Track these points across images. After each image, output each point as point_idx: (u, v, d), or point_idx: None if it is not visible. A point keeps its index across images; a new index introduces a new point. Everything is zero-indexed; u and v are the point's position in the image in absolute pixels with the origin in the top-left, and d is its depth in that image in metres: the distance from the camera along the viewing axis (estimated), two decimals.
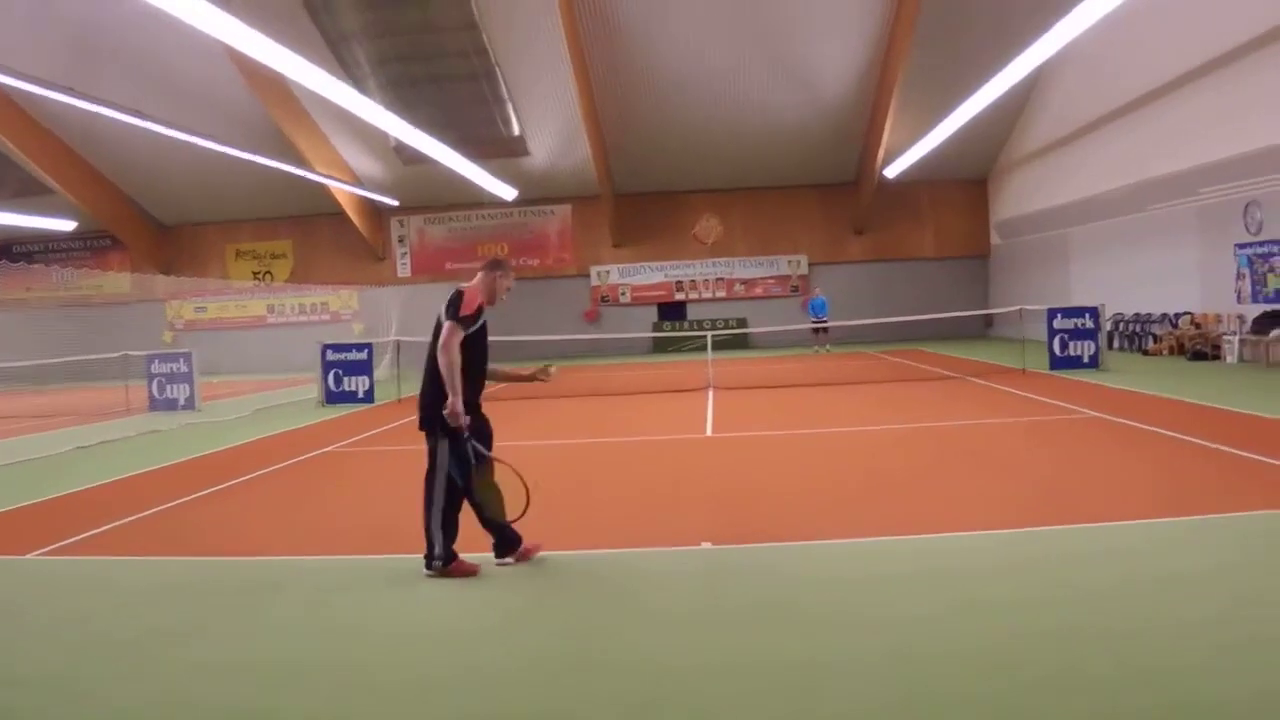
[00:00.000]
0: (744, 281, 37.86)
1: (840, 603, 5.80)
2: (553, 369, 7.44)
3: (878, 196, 35.02)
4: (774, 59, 28.91)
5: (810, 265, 37.58)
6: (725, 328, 34.50)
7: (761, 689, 4.50)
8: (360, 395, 20.29)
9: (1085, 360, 19.92)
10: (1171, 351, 22.45)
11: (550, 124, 32.00)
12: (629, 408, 17.55)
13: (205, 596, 6.48)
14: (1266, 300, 20.12)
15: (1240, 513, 7.32)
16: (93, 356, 23.08)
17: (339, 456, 12.98)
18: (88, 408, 21.34)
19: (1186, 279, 23.17)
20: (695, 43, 27.99)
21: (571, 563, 6.93)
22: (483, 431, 6.80)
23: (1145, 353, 23.74)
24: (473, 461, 6.55)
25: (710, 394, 18.87)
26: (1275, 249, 19.83)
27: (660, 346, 36.57)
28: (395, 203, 35.52)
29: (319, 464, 12.36)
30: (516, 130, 32.87)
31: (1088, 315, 20.19)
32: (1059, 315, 20.34)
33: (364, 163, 34.52)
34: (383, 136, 31.03)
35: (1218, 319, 21.65)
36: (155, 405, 20.30)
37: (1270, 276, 20.05)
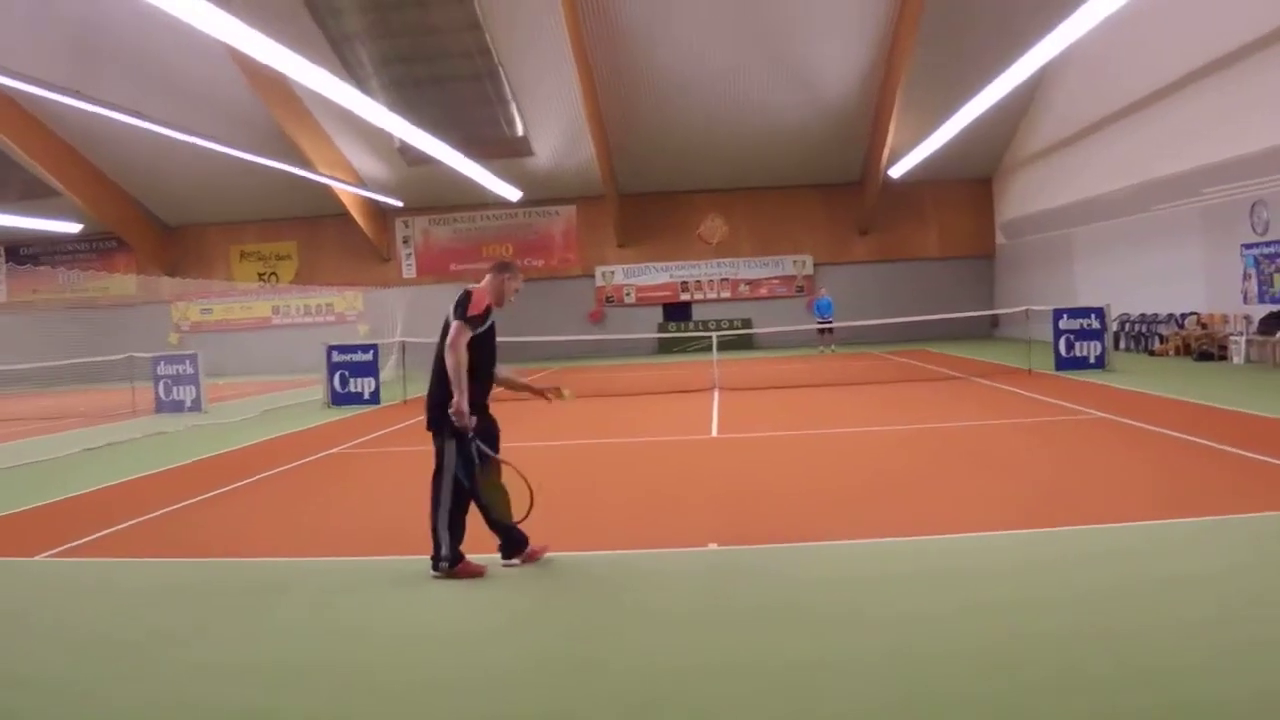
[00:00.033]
0: (749, 282, 37.85)
1: (842, 603, 5.81)
2: (567, 393, 7.43)
3: (882, 196, 34.99)
4: (778, 59, 28.91)
5: (815, 265, 37.55)
6: (730, 328, 34.49)
7: (763, 689, 4.52)
8: (366, 396, 20.31)
9: (1091, 361, 19.89)
10: (1178, 352, 22.41)
11: (554, 124, 32.01)
12: (634, 409, 17.57)
13: (209, 598, 6.50)
14: (1273, 300, 20.10)
15: (1246, 514, 7.31)
16: (99, 359, 23.12)
17: (345, 458, 13.00)
18: (94, 410, 21.39)
19: (1192, 279, 23.14)
20: (699, 43, 27.99)
21: (578, 564, 6.94)
22: (489, 432, 6.80)
23: (1151, 353, 23.71)
24: (477, 462, 6.56)
25: (716, 395, 18.88)
26: None
27: (665, 347, 36.57)
28: (400, 204, 35.56)
29: (325, 465, 12.39)
30: (520, 131, 32.89)
31: (1094, 316, 20.16)
32: (1065, 316, 20.31)
33: (368, 164, 34.57)
34: (387, 137, 31.09)
35: (1224, 319, 21.62)
36: (161, 407, 20.33)
37: (1277, 277, 20.02)
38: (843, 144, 33.49)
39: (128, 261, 38.67)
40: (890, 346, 32.26)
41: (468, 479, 6.55)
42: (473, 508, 6.69)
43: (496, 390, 7.00)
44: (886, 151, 31.38)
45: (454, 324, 6.49)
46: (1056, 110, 29.46)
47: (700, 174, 35.72)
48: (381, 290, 34.92)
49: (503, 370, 7.01)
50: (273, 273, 38.95)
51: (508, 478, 6.62)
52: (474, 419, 6.52)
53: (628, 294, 38.06)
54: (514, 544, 6.82)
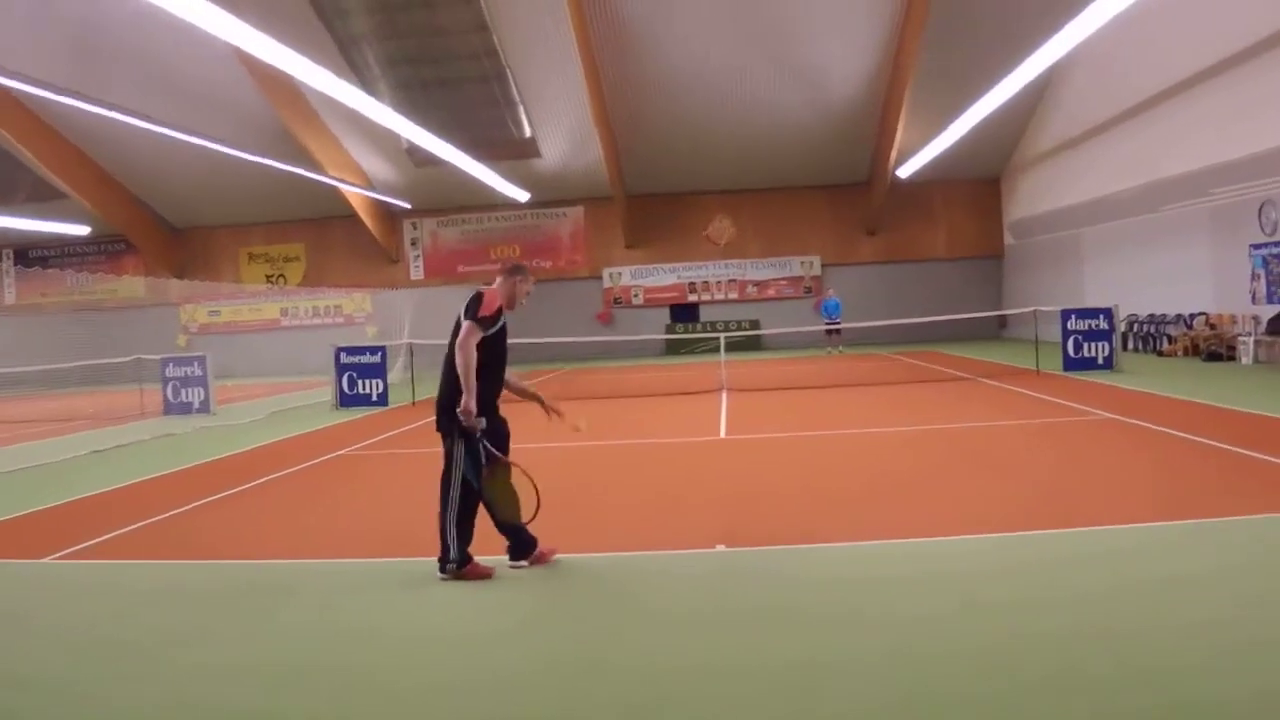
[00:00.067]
0: (756, 283, 37.85)
1: (845, 604, 5.82)
2: (582, 424, 7.45)
3: (890, 197, 34.96)
4: (785, 59, 28.91)
5: (823, 266, 37.53)
6: (738, 329, 34.44)
7: (765, 689, 4.53)
8: (374, 398, 20.35)
9: (1099, 361, 19.86)
10: (1186, 352, 22.36)
11: (561, 125, 32.06)
12: (642, 410, 17.58)
13: (214, 600, 6.52)
14: None
15: (1252, 515, 7.29)
16: (107, 361, 23.16)
17: (353, 460, 13.03)
18: (102, 412, 21.45)
19: (1200, 280, 23.09)
20: (707, 43, 28.00)
21: (585, 565, 6.94)
22: (500, 433, 6.82)
23: (1160, 354, 23.67)
24: (483, 462, 6.57)
25: (724, 396, 18.89)
26: None
27: (673, 348, 36.58)
28: (408, 205, 35.62)
29: (333, 467, 12.42)
30: (528, 132, 32.96)
31: (1102, 316, 20.14)
32: (1073, 316, 20.28)
33: (376, 165, 34.63)
34: (394, 139, 31.14)
35: (1232, 320, 21.57)
36: (170, 409, 20.38)
37: None
38: (850, 144, 33.47)
39: (136, 264, 38.85)
40: (898, 347, 32.18)
41: (476, 480, 6.57)
42: (482, 510, 6.70)
43: (504, 393, 7.01)
44: (894, 152, 31.36)
45: (465, 324, 6.51)
46: (1065, 110, 29.42)
47: (708, 175, 35.72)
48: (389, 292, 34.98)
49: (510, 375, 7.03)
50: (281, 275, 39.04)
51: (516, 479, 6.63)
52: (482, 420, 6.53)
53: (635, 295, 38.08)
54: (523, 546, 6.83)
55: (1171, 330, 23.94)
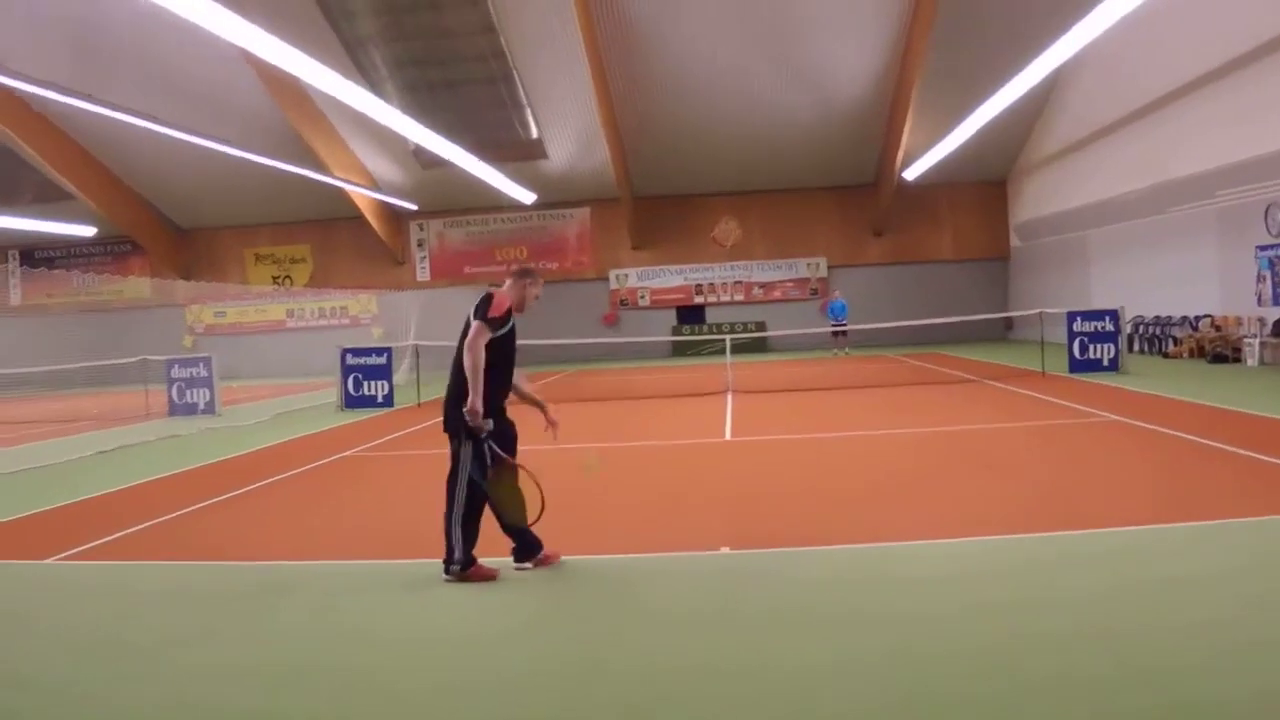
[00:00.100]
0: (763, 284, 37.82)
1: (846, 605, 5.82)
2: (593, 462, 7.45)
3: (896, 198, 34.93)
4: (791, 61, 28.89)
5: (829, 268, 37.47)
6: (744, 331, 34.41)
7: (766, 690, 4.54)
8: (379, 400, 20.35)
9: (1105, 363, 19.83)
10: (1192, 354, 22.31)
11: (568, 127, 32.07)
12: (648, 411, 17.58)
13: (218, 600, 6.54)
14: None
15: (1256, 517, 7.28)
16: (113, 362, 23.23)
17: (358, 461, 13.04)
18: (107, 413, 21.51)
19: (1206, 281, 23.04)
20: (714, 45, 28.00)
21: (590, 567, 6.95)
22: (507, 435, 6.83)
23: (1165, 355, 23.62)
24: (489, 463, 6.58)
25: (729, 398, 18.88)
26: None
27: (679, 350, 36.57)
28: (414, 206, 35.60)
29: (338, 469, 12.43)
30: (535, 133, 32.98)
31: (1108, 318, 20.10)
32: (1079, 318, 20.25)
33: (382, 166, 34.66)
34: (401, 140, 31.14)
35: (1238, 321, 21.52)
36: (175, 410, 20.41)
37: None
38: (857, 146, 33.45)
39: (142, 265, 38.91)
40: (904, 349, 32.14)
41: (483, 481, 6.57)
42: (488, 511, 6.71)
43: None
44: (901, 153, 31.31)
45: (474, 324, 6.53)
46: (1071, 112, 29.37)
47: (714, 176, 35.70)
48: (396, 293, 35.01)
49: (518, 378, 7.03)
50: (287, 276, 39.08)
51: (522, 481, 6.64)
52: (489, 421, 6.54)
53: (642, 297, 38.07)
54: (528, 548, 6.84)
55: (1177, 332, 23.89)
